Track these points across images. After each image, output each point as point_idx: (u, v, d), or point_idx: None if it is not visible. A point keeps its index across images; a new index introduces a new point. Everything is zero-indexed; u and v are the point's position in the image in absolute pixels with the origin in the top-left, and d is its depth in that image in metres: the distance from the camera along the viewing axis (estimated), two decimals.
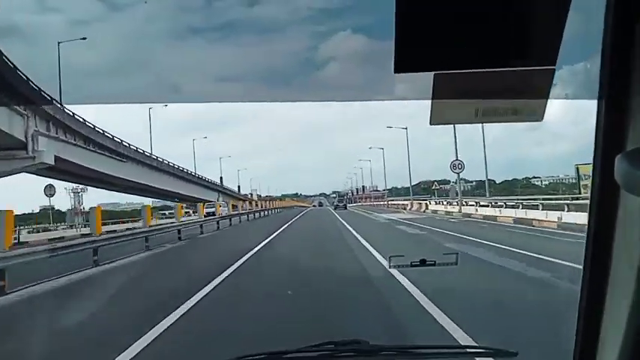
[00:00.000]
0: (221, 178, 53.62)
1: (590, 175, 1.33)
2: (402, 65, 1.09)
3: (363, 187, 76.89)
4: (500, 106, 1.20)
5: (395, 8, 1.02)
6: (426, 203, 38.79)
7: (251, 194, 57.45)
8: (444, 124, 1.22)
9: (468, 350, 2.55)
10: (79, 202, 34.34)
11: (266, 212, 43.15)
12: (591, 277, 1.42)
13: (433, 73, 1.13)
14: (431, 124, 1.19)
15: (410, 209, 39.96)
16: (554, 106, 1.26)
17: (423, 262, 2.08)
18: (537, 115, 1.22)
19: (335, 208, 50.67)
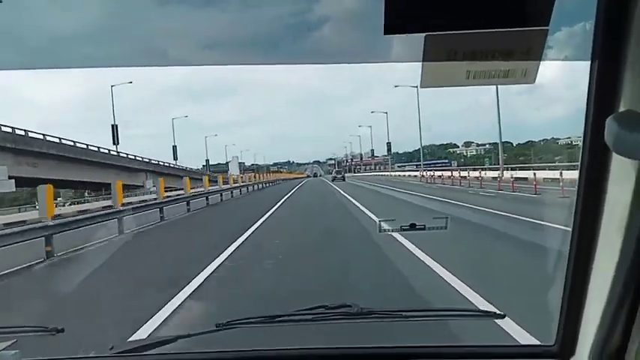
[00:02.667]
0: (207, 161, 51.80)
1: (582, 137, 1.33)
2: (393, 27, 1.06)
3: (360, 155, 73.30)
4: (493, 68, 1.18)
5: None
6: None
7: (227, 169, 51.64)
8: (435, 86, 1.20)
9: (457, 313, 2.59)
10: None
11: (233, 192, 31.41)
12: (579, 237, 1.43)
13: (424, 34, 1.11)
14: (421, 86, 1.17)
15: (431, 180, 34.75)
16: (548, 68, 1.25)
17: (412, 227, 2.09)
18: (529, 77, 1.21)
19: (333, 180, 48.00)
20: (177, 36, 1.52)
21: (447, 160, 66.91)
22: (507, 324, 4.24)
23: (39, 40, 1.65)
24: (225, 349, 2.01)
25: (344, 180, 48.22)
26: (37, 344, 2.02)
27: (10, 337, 1.82)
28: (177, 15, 1.62)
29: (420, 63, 1.15)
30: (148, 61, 1.62)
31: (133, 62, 1.57)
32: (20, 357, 1.73)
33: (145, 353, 1.98)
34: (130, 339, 4.49)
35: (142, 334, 4.95)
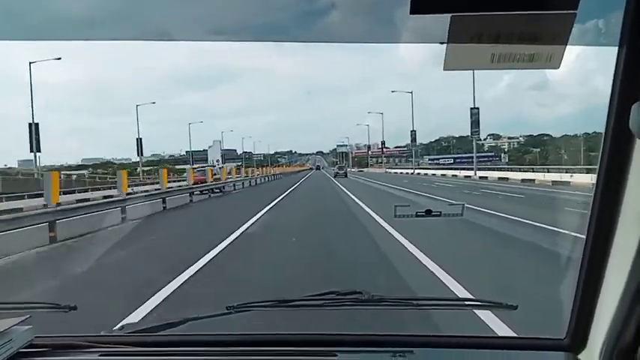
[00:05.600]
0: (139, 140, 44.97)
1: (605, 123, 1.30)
2: (419, 6, 1.04)
3: (368, 146, 66.89)
4: (517, 52, 1.16)
5: None
6: None
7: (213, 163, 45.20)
8: (459, 69, 1.18)
9: (469, 303, 2.58)
10: None
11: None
12: (598, 224, 1.41)
13: (450, 15, 1.08)
14: (445, 69, 1.15)
15: None
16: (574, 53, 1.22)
17: (428, 212, 2.07)
18: (554, 62, 1.18)
19: (335, 176, 46.12)
20: (183, 19, 1.49)
21: (492, 154, 57.56)
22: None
23: (39, 17, 1.63)
24: (234, 332, 2.01)
25: (346, 176, 45.92)
26: (49, 321, 2.04)
27: (23, 312, 1.84)
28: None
29: (444, 45, 1.13)
30: (151, 37, 1.59)
31: (136, 37, 1.54)
32: (33, 333, 1.75)
33: (154, 334, 1.99)
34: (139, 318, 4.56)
35: None
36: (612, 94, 1.27)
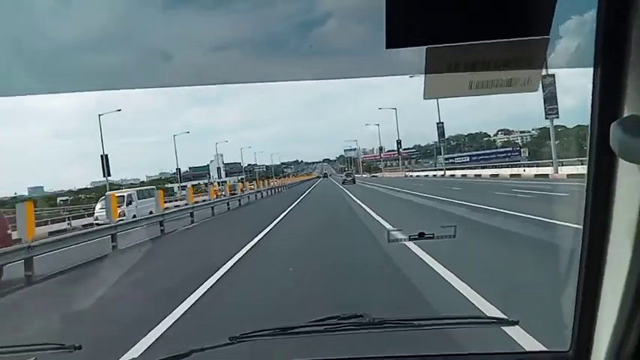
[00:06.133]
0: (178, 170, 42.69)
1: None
2: (394, 41, 1.08)
3: (380, 148, 57.82)
4: (495, 78, 1.19)
5: None
6: None
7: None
8: (439, 97, 1.21)
9: (470, 320, 2.58)
10: None
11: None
12: (590, 243, 1.43)
13: (425, 47, 1.12)
14: (425, 97, 1.19)
15: None
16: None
17: (421, 235, 2.09)
18: (532, 86, 1.22)
19: (343, 183, 44.22)
20: (184, 40, 1.53)
21: (509, 149, 53.54)
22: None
23: (44, 47, 1.66)
24: None
25: (354, 182, 43.50)
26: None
27: (28, 355, 1.84)
28: (183, 19, 1.64)
29: (422, 75, 1.17)
30: (155, 67, 1.62)
31: (138, 69, 1.58)
32: None
33: None
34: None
35: None
36: (592, 113, 1.30)
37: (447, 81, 1.19)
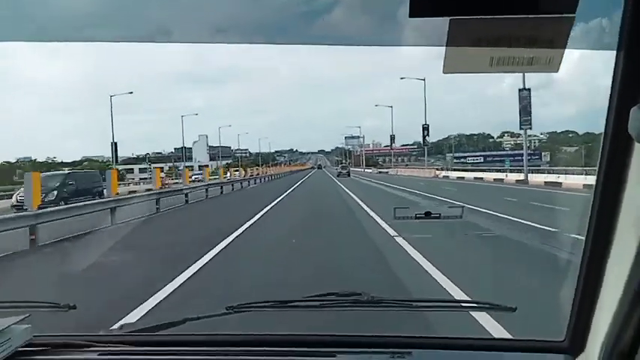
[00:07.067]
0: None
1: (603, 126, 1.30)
2: (418, 9, 1.05)
3: (391, 136, 53.12)
4: (516, 55, 1.16)
5: None
6: None
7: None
8: (459, 72, 1.18)
9: (467, 305, 2.59)
10: None
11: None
12: (597, 226, 1.41)
13: (449, 18, 1.09)
14: (444, 72, 1.16)
15: None
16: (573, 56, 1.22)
17: (427, 215, 2.08)
18: (553, 66, 1.18)
19: (337, 175, 44.58)
20: (185, 17, 1.50)
21: (530, 152, 47.56)
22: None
23: (44, 14, 1.63)
24: (234, 332, 2.02)
25: (349, 175, 43.30)
26: (48, 320, 2.04)
27: (22, 311, 1.84)
28: None
29: (443, 48, 1.13)
30: (153, 38, 1.59)
31: (138, 38, 1.54)
32: (31, 332, 1.75)
33: (154, 333, 1.99)
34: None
35: None
36: (611, 97, 1.27)
37: (468, 55, 1.16)
